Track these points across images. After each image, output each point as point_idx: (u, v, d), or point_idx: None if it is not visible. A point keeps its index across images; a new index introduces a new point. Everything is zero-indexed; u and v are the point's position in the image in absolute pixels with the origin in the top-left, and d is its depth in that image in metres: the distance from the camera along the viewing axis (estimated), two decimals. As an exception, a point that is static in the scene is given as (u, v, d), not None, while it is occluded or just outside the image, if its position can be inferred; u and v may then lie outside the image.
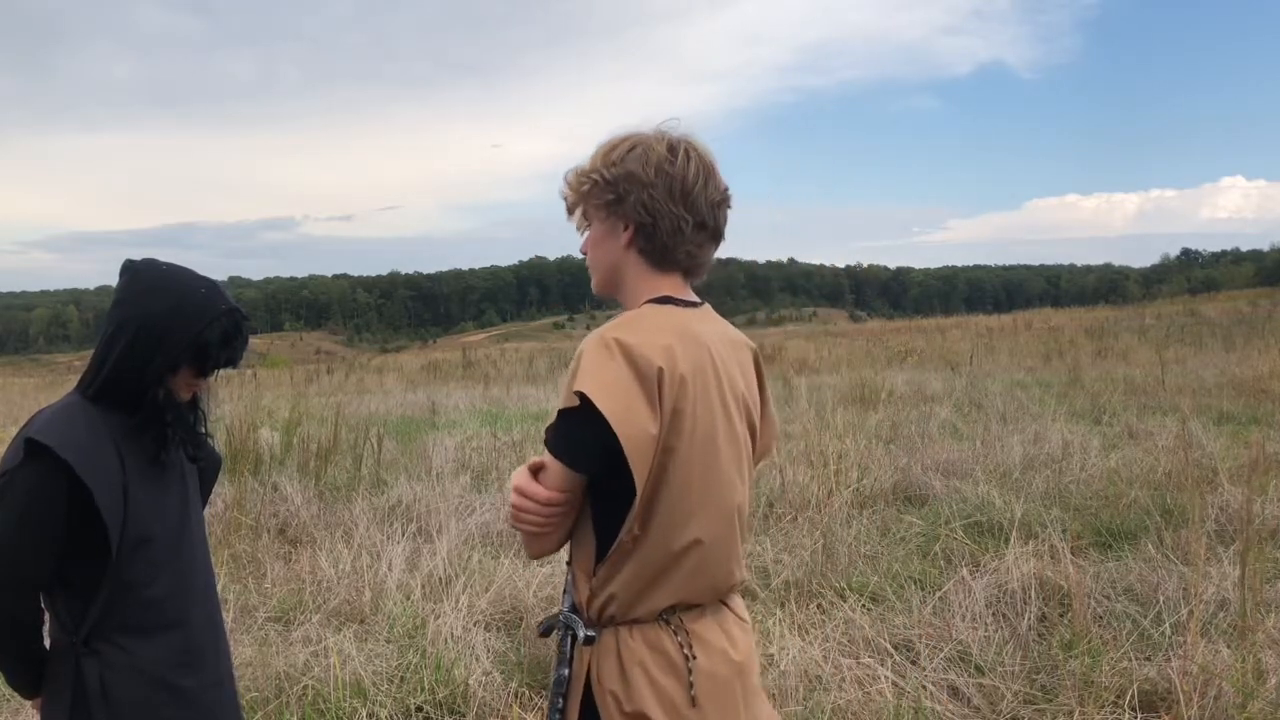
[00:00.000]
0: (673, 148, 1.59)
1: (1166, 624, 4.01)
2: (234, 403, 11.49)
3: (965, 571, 4.59)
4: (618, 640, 1.55)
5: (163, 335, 1.74)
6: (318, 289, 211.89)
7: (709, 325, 1.65)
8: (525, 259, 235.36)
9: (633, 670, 1.54)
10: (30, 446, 1.68)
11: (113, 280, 1.83)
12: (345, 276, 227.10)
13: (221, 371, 1.89)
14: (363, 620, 4.55)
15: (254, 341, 2.04)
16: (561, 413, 1.52)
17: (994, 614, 4.24)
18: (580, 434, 1.49)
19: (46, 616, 1.81)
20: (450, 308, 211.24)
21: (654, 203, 1.57)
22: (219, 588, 2.06)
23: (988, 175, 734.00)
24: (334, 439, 8.26)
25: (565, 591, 1.65)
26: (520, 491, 1.55)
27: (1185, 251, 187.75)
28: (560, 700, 1.59)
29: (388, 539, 5.57)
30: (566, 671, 1.59)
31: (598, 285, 1.71)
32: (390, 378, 22.67)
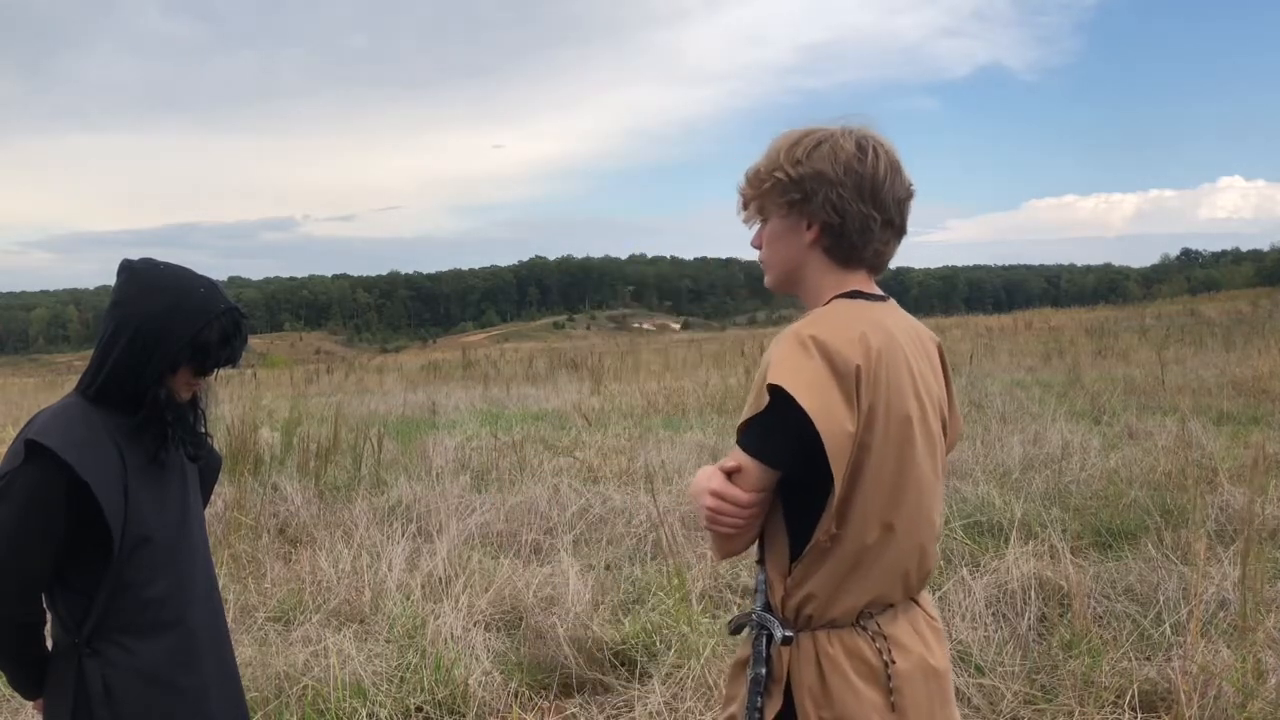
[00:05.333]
0: (861, 145, 1.55)
1: (1166, 624, 4.01)
2: (234, 403, 11.49)
3: (965, 571, 4.58)
4: (816, 645, 1.54)
5: (162, 335, 1.74)
6: (318, 289, 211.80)
7: (898, 320, 1.62)
8: (525, 259, 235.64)
9: (832, 676, 1.53)
10: (31, 448, 1.68)
11: (112, 280, 1.83)
12: (345, 276, 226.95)
13: (221, 371, 1.89)
14: (363, 620, 4.54)
15: (254, 341, 2.04)
16: (758, 413, 1.48)
17: (994, 614, 4.24)
18: (777, 432, 1.47)
19: (48, 617, 1.82)
20: (450, 308, 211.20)
21: (843, 202, 1.53)
22: (219, 587, 2.05)
23: (987, 176, 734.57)
24: (334, 439, 8.26)
25: (757, 590, 1.63)
26: (718, 495, 1.51)
27: (1185, 251, 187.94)
28: (759, 699, 1.58)
29: (388, 539, 5.57)
30: (764, 670, 1.58)
31: (774, 282, 1.67)
32: (390, 378, 22.67)
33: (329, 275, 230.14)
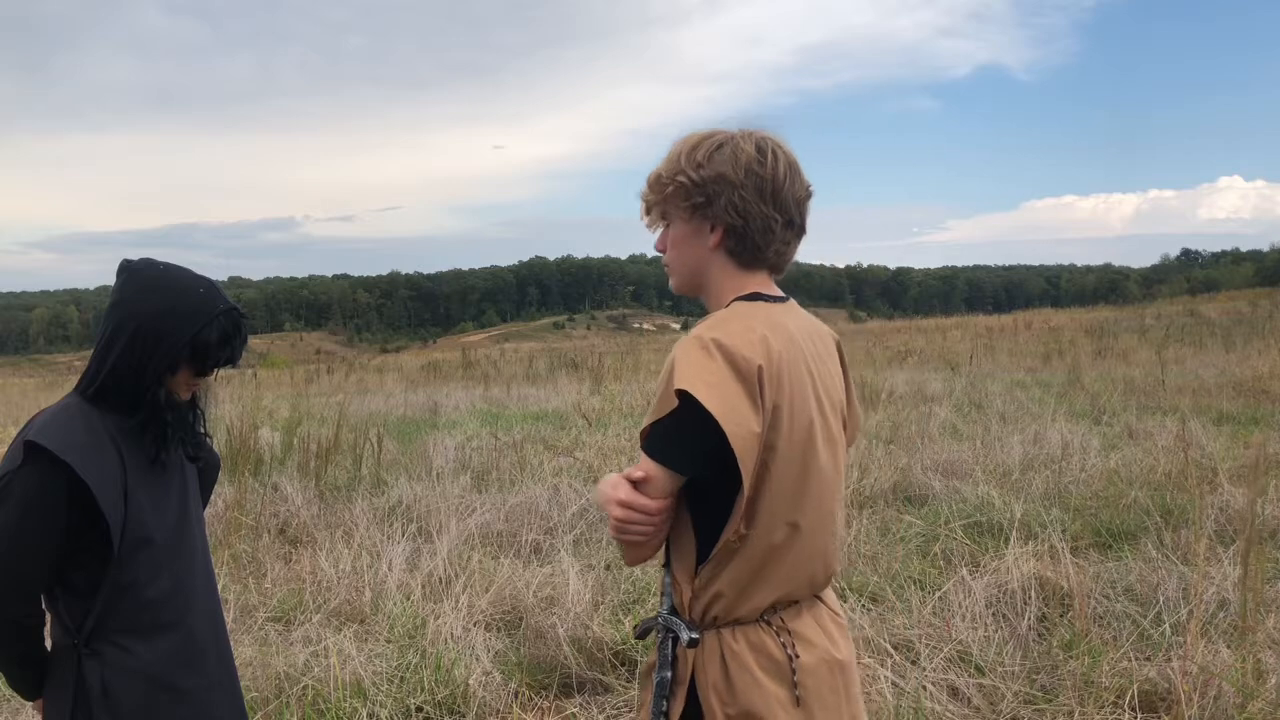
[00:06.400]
0: (760, 147, 1.57)
1: (1166, 624, 4.01)
2: (234, 403, 11.50)
3: (965, 572, 4.58)
4: (720, 642, 1.56)
5: (161, 335, 1.74)
6: (318, 289, 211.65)
7: (797, 320, 1.64)
8: (525, 259, 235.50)
9: (736, 671, 1.54)
10: (30, 449, 1.68)
11: (113, 280, 1.83)
12: (345, 276, 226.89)
13: (221, 371, 1.89)
14: (363, 620, 4.54)
15: (254, 342, 2.04)
16: (663, 417, 1.50)
17: (994, 614, 4.24)
18: (684, 437, 1.49)
19: (47, 618, 1.81)
20: (450, 308, 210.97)
21: (745, 204, 1.56)
22: (219, 588, 2.05)
23: (986, 176, 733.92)
24: (335, 439, 8.26)
25: (663, 594, 1.64)
26: (626, 505, 1.52)
27: (1185, 252, 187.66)
28: (664, 702, 1.60)
29: (388, 539, 5.57)
30: (669, 674, 1.60)
31: (679, 285, 1.70)
32: (390, 378, 22.65)
33: (329, 275, 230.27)
